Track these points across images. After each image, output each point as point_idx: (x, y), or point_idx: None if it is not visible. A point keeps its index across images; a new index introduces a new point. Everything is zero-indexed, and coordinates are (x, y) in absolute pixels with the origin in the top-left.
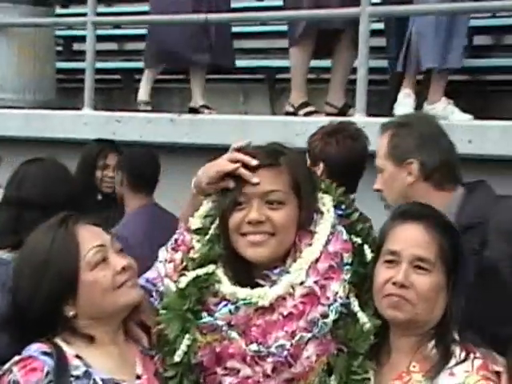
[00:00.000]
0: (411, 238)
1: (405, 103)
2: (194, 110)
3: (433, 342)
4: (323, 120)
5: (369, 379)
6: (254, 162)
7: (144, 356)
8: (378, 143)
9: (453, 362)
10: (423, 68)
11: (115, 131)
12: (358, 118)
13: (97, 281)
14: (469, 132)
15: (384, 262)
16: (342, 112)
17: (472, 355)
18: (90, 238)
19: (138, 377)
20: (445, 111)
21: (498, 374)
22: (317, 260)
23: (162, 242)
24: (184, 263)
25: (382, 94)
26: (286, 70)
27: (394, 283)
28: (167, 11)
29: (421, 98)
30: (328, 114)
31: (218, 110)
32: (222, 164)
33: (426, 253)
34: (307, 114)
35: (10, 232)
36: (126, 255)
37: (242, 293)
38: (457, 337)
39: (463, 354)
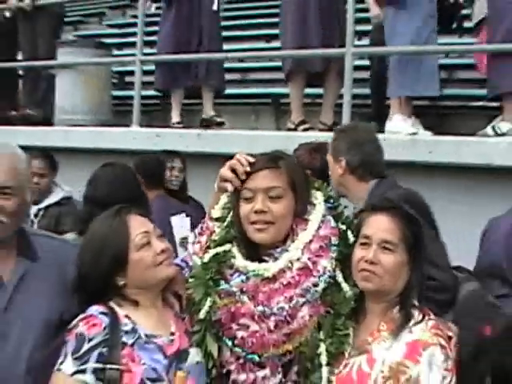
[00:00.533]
0: (379, 225)
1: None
2: (206, 120)
3: (397, 308)
4: (317, 135)
5: (349, 335)
6: (247, 167)
7: (177, 318)
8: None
9: (412, 322)
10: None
11: (156, 143)
12: None
13: (142, 259)
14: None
15: (359, 244)
16: (332, 129)
17: (427, 317)
18: (138, 225)
19: (172, 333)
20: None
21: (449, 338)
22: (310, 241)
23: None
24: (207, 244)
25: (363, 115)
26: (287, 95)
27: (365, 261)
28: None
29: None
30: (321, 130)
31: (234, 126)
32: (223, 172)
33: (391, 237)
34: (305, 130)
35: (82, 222)
36: (164, 240)
37: (252, 266)
38: (416, 303)
39: (420, 317)
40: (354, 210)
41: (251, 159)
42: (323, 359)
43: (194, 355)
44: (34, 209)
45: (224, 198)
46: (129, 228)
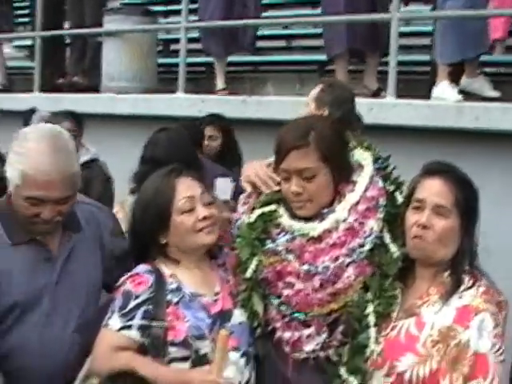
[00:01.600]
0: (433, 189)
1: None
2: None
3: (448, 272)
4: (361, 101)
5: (396, 296)
6: (264, 189)
7: (222, 279)
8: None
9: (462, 288)
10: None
11: (201, 109)
12: (390, 99)
13: (183, 223)
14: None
15: (412, 208)
16: (377, 94)
17: (478, 283)
18: (185, 189)
19: (217, 294)
20: (481, 87)
21: (499, 303)
22: (357, 203)
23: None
24: (254, 204)
25: (407, 82)
26: (332, 62)
27: (418, 225)
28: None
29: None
30: (365, 95)
31: (280, 93)
32: (245, 181)
33: (444, 201)
34: None
35: (139, 181)
36: (212, 207)
37: (298, 225)
38: (467, 268)
39: (471, 282)
40: None
41: (272, 179)
42: (371, 320)
43: (238, 316)
44: None
45: (270, 160)
46: (175, 191)
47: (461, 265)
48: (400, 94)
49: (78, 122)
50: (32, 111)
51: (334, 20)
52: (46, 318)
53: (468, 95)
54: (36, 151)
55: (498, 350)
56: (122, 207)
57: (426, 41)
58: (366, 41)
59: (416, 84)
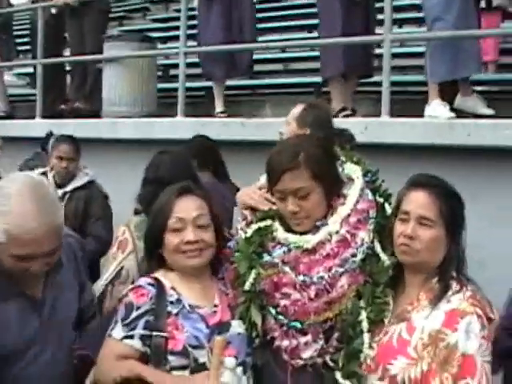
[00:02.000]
0: (417, 202)
1: (439, 110)
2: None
3: (436, 279)
4: (356, 120)
5: (388, 303)
6: (261, 207)
7: (221, 292)
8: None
9: (450, 292)
10: (433, 81)
11: (200, 132)
12: (384, 118)
13: (168, 242)
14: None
15: (399, 219)
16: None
17: (464, 288)
18: (179, 210)
19: (216, 306)
20: (475, 105)
21: (489, 319)
22: (348, 215)
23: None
24: (251, 220)
25: (402, 102)
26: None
27: (404, 235)
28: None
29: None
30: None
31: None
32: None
33: (428, 213)
34: (345, 116)
35: (147, 202)
36: (205, 231)
37: (293, 238)
38: (454, 274)
39: (458, 287)
40: None
41: (267, 200)
42: (364, 326)
43: (236, 327)
44: (59, 192)
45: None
46: (171, 210)
47: (448, 271)
48: (396, 114)
49: (75, 145)
50: (49, 136)
51: (328, 42)
52: (40, 352)
53: (462, 113)
54: (19, 208)
55: (485, 350)
56: (128, 227)
57: (420, 61)
58: (361, 63)
59: (411, 104)
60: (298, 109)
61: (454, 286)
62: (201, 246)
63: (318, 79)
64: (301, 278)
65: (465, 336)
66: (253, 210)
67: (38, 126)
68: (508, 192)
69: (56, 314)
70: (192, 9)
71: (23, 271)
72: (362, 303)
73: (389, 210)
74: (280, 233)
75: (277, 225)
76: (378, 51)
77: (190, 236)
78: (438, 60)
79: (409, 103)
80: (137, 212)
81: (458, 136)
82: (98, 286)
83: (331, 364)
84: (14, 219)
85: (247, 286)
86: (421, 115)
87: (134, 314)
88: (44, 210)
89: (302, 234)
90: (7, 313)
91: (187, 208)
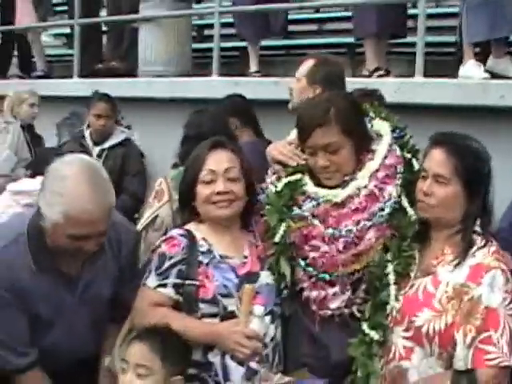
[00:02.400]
0: (434, 159)
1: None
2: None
3: (460, 234)
4: (390, 81)
5: (414, 256)
6: (291, 164)
7: (251, 244)
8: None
9: (475, 247)
10: (469, 42)
11: (235, 91)
12: (418, 78)
13: (200, 193)
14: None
15: (421, 176)
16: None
17: (489, 243)
18: (212, 162)
19: (245, 257)
20: (506, 67)
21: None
22: (377, 170)
23: None
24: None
25: (435, 62)
26: (361, 45)
27: (422, 192)
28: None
29: None
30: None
31: None
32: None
33: (443, 171)
34: (379, 76)
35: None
36: (235, 184)
37: (322, 192)
38: (479, 229)
39: (483, 242)
40: None
41: (297, 155)
42: (391, 278)
43: (264, 277)
44: (96, 149)
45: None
46: (203, 162)
47: (468, 227)
48: (430, 75)
49: (112, 103)
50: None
51: (362, 2)
52: (69, 327)
53: (494, 76)
54: (75, 190)
55: (509, 304)
56: (165, 179)
57: (455, 22)
58: (394, 23)
59: (445, 65)
60: (307, 64)
61: (479, 241)
62: (230, 197)
63: (351, 39)
64: (329, 230)
65: (489, 290)
66: (282, 164)
67: (75, 85)
68: None
69: (88, 293)
70: None
71: (77, 250)
72: (388, 256)
73: (416, 165)
74: (310, 187)
75: (306, 179)
76: (413, 11)
77: (220, 187)
78: (476, 20)
79: (443, 64)
80: (175, 165)
81: (490, 97)
82: None
83: (358, 315)
84: (71, 200)
85: (277, 238)
86: (454, 76)
87: (167, 263)
88: (99, 191)
89: (331, 188)
90: (43, 284)
91: (219, 161)
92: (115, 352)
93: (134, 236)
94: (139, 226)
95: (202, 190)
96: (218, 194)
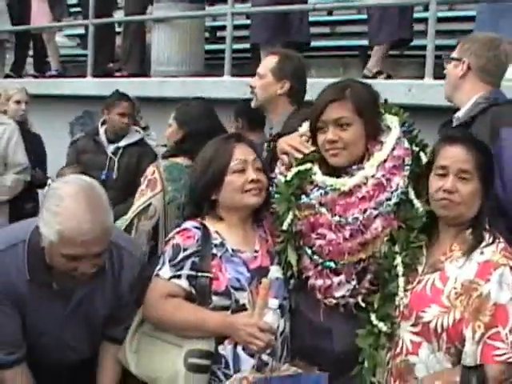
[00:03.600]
0: (456, 156)
1: None
2: None
3: (470, 230)
4: (400, 82)
5: (421, 247)
6: (297, 155)
7: (261, 238)
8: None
9: (483, 244)
10: None
11: (246, 92)
12: (427, 80)
13: (233, 182)
14: None
15: (436, 174)
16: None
17: (497, 240)
18: (240, 153)
19: (256, 251)
20: None
21: None
22: (385, 161)
23: None
24: (291, 163)
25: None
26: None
27: (444, 190)
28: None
29: None
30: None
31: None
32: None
33: (467, 166)
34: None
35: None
36: (262, 173)
37: (330, 181)
38: (487, 226)
39: (491, 239)
40: (269, 130)
41: (304, 146)
42: (399, 270)
43: (274, 272)
44: (111, 147)
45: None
46: (232, 153)
47: (482, 223)
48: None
49: (132, 103)
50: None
51: (374, 4)
52: (58, 337)
53: None
54: (72, 210)
55: None
56: (158, 168)
57: (467, 26)
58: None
59: None
60: (270, 60)
61: (487, 237)
62: (260, 185)
63: (363, 42)
64: (336, 218)
65: (497, 287)
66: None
67: (88, 85)
68: None
69: (80, 309)
70: None
71: (71, 270)
72: (396, 248)
73: (424, 158)
74: (318, 176)
75: (316, 168)
76: (423, 15)
77: (253, 175)
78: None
79: None
80: (164, 156)
81: None
82: (126, 218)
83: (363, 304)
84: (67, 220)
85: (285, 226)
86: None
87: (181, 255)
88: (95, 212)
89: (338, 177)
90: (35, 294)
91: (246, 152)
92: (126, 345)
93: (137, 262)
94: (130, 213)
95: (235, 179)
96: (252, 181)
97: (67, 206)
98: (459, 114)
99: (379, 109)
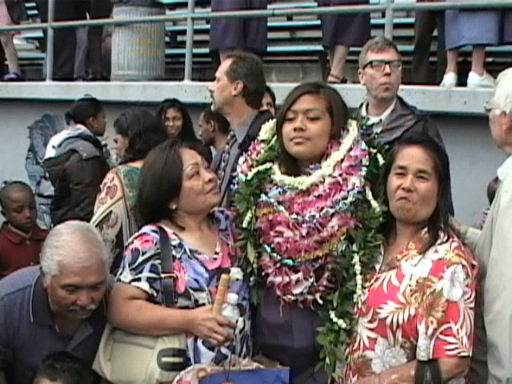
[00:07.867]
0: (415, 156)
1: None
2: None
3: (425, 229)
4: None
5: (379, 246)
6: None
7: (222, 241)
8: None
9: (438, 242)
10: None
11: (206, 96)
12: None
13: (192, 187)
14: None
15: (395, 174)
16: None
17: (451, 239)
18: (189, 157)
19: (216, 253)
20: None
21: (472, 266)
22: (341, 160)
23: None
24: (252, 163)
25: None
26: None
27: (403, 188)
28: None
29: None
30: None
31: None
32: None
33: (425, 166)
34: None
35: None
36: (211, 170)
37: (288, 180)
38: (442, 225)
39: (445, 238)
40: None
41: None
42: (357, 269)
43: (235, 273)
44: None
45: (269, 123)
46: (182, 159)
47: (438, 222)
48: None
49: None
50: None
51: (333, 10)
52: None
53: None
54: (70, 243)
55: (469, 298)
56: (117, 175)
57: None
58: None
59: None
60: (226, 63)
61: (442, 236)
62: (215, 183)
63: (320, 48)
64: (294, 216)
65: (450, 284)
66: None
67: (48, 88)
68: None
69: (77, 351)
70: None
71: (72, 304)
72: (354, 247)
73: (381, 160)
74: (277, 175)
75: (275, 168)
76: (381, 21)
77: (208, 175)
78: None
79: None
80: (120, 162)
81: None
82: None
83: (320, 302)
84: (66, 251)
85: (244, 224)
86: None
87: (140, 258)
88: (91, 244)
89: (296, 176)
90: (36, 335)
91: (193, 154)
92: (100, 354)
93: None
94: (91, 223)
95: (194, 183)
96: (210, 181)
97: (66, 238)
98: None
99: (347, 115)
